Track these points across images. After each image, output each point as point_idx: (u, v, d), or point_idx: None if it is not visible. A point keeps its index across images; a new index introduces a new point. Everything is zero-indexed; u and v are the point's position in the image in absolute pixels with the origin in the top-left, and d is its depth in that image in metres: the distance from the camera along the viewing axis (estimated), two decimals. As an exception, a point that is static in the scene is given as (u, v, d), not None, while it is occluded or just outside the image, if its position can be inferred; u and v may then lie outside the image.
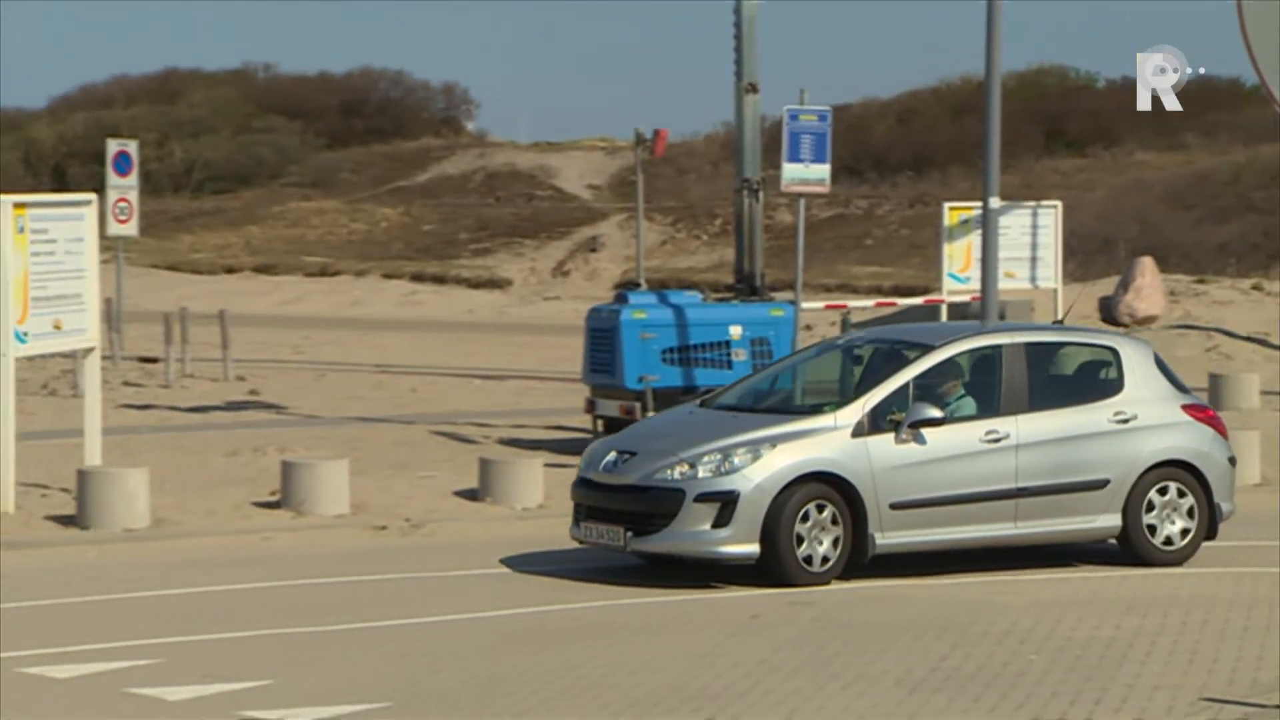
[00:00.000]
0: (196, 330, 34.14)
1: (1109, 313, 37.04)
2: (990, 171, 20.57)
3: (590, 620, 13.92)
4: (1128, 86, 60.04)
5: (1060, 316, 17.31)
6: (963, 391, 15.49)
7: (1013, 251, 29.42)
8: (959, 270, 31.30)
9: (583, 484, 15.38)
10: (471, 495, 19.17)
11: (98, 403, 19.29)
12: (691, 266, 52.14)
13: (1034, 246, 32.24)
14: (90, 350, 19.15)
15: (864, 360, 16.28)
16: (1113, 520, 15.61)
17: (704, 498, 14.52)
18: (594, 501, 15.16)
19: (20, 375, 18.99)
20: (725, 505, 14.50)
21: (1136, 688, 11.88)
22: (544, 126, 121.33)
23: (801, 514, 14.61)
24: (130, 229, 34.31)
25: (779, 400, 16.26)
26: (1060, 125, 57.24)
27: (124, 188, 33.92)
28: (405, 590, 15.24)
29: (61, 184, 63.47)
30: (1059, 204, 33.88)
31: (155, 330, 35.04)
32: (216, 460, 21.79)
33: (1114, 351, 16.18)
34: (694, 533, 14.57)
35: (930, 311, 35.47)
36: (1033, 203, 32.99)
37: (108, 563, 16.45)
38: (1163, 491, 15.67)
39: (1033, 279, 31.99)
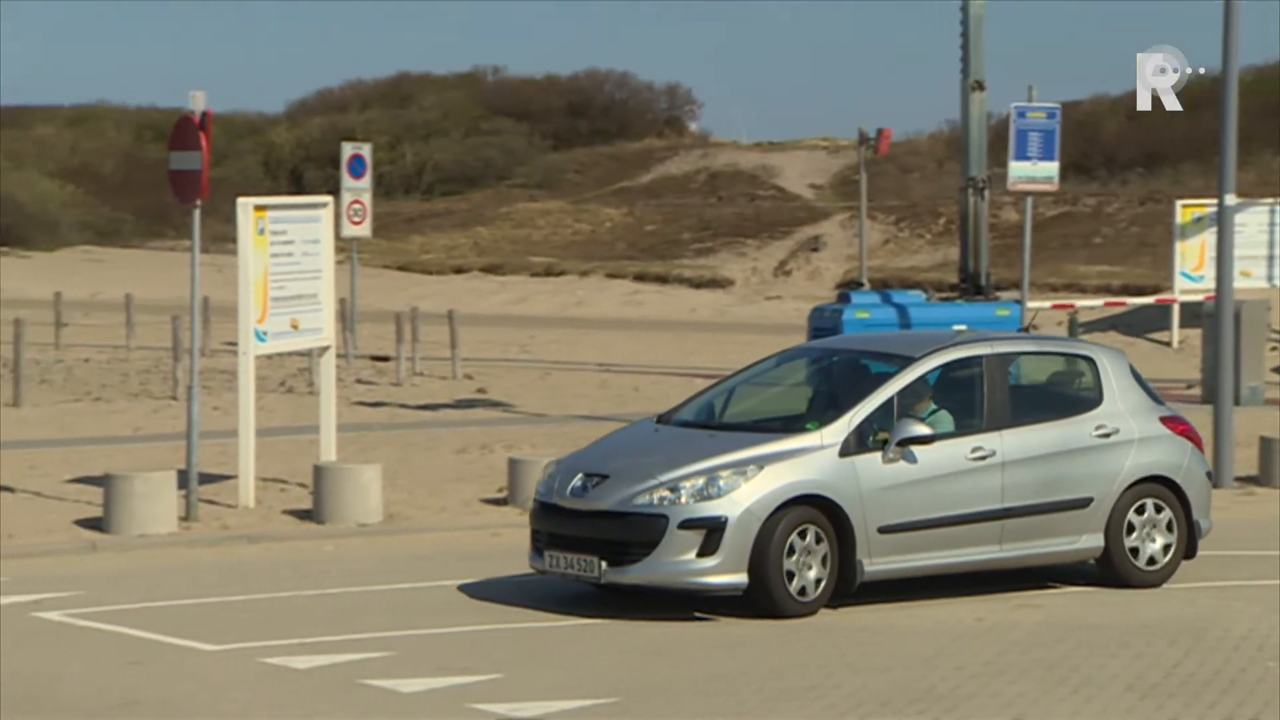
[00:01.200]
0: (426, 329, 34.64)
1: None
2: (1226, 168, 20.18)
3: (818, 621, 13.87)
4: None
5: (1026, 324, 16.29)
6: (934, 406, 14.41)
7: (1249, 250, 28.84)
8: (1192, 269, 30.81)
9: (546, 510, 14.05)
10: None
11: (333, 400, 19.66)
12: (914, 266, 51.70)
13: (1271, 244, 31.58)
14: (326, 349, 19.49)
15: (832, 373, 15.31)
16: (1095, 540, 14.69)
17: (689, 524, 13.38)
18: (561, 529, 13.83)
19: (259, 373, 19.36)
20: (712, 532, 13.36)
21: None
22: (766, 126, 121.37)
23: (790, 540, 13.53)
24: (363, 230, 34.88)
25: (750, 417, 15.04)
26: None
27: (358, 190, 34.50)
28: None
29: (298, 187, 64.69)
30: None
31: (387, 329, 35.61)
32: (446, 457, 22.09)
33: (1092, 362, 15.24)
34: (677, 562, 13.41)
35: (1162, 311, 34.99)
36: (1270, 200, 32.34)
37: (343, 556, 16.74)
38: (1141, 510, 14.79)
39: (1269, 278, 31.38)
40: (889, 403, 14.11)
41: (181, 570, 16.00)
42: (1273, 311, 30.87)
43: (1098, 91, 62.35)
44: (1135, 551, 14.76)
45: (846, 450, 13.79)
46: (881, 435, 13.92)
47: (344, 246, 30.62)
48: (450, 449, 22.65)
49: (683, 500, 13.44)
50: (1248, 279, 27.99)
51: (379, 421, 25.70)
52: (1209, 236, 25.49)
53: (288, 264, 18.46)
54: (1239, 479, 20.37)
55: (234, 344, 19.34)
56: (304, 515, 18.14)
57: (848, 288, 25.13)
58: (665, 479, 13.54)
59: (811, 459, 13.73)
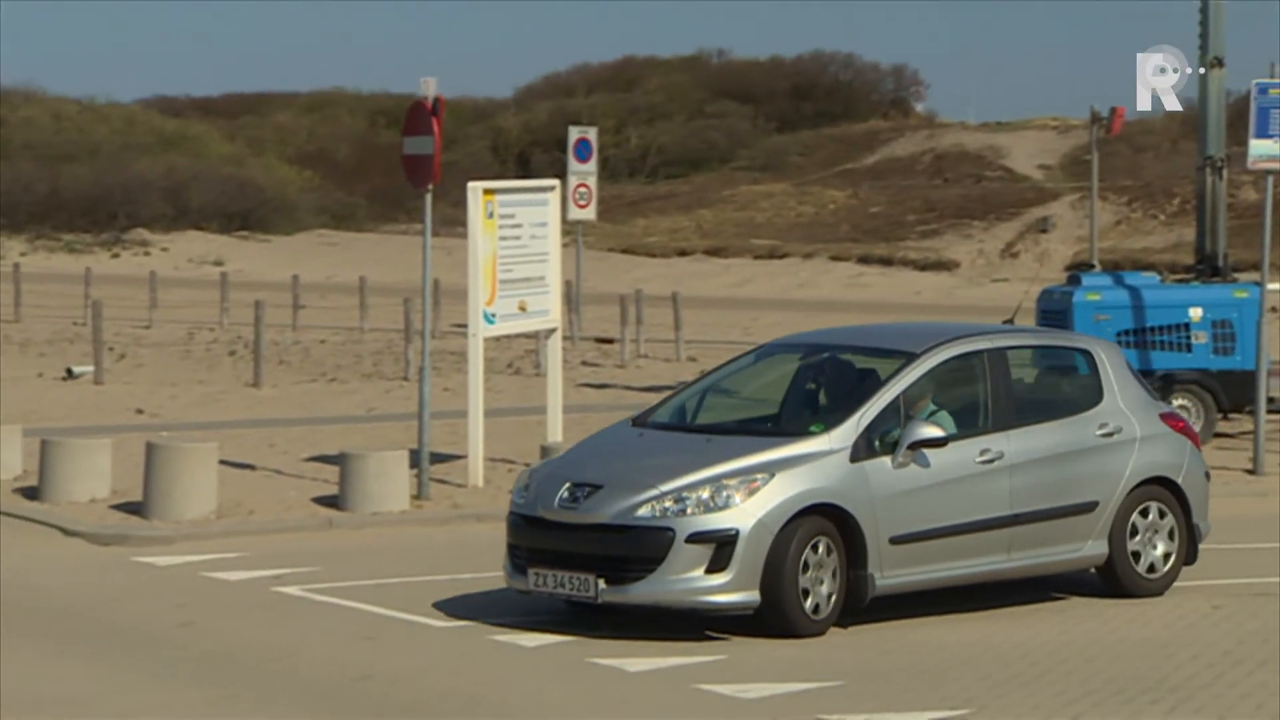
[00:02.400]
0: (650, 311, 34.77)
1: None
2: None
3: (1049, 605, 13.70)
4: None
5: (1010, 316, 15.12)
6: (933, 405, 13.31)
7: None
8: None
9: (529, 523, 12.79)
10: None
11: (559, 381, 19.78)
12: (1147, 247, 50.90)
13: None
14: (552, 331, 19.61)
15: (824, 370, 13.96)
16: (1100, 547, 13.63)
17: (697, 538, 12.21)
18: (548, 544, 12.60)
19: (487, 355, 19.54)
20: (722, 546, 12.21)
21: None
22: (994, 106, 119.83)
23: (805, 555, 12.44)
24: (589, 213, 35.08)
25: (743, 419, 13.99)
26: None
27: (583, 173, 34.69)
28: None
29: (525, 171, 65.27)
30: None
31: (611, 312, 35.80)
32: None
33: (1090, 355, 14.16)
34: (684, 579, 12.24)
35: None
36: None
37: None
38: (1145, 513, 13.78)
39: None
40: (895, 403, 13.01)
41: (413, 547, 16.22)
42: None
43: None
44: (1137, 557, 13.75)
45: (857, 454, 12.71)
46: (890, 438, 12.83)
47: (569, 229, 30.76)
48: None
49: (689, 511, 12.30)
50: None
51: (604, 403, 25.81)
52: None
53: (516, 247, 18.59)
54: None
55: (463, 326, 19.55)
56: (532, 495, 18.25)
57: (1078, 269, 24.75)
58: (668, 488, 12.40)
59: (822, 465, 12.60)
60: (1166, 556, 13.86)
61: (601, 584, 12.30)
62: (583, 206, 34.29)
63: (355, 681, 11.56)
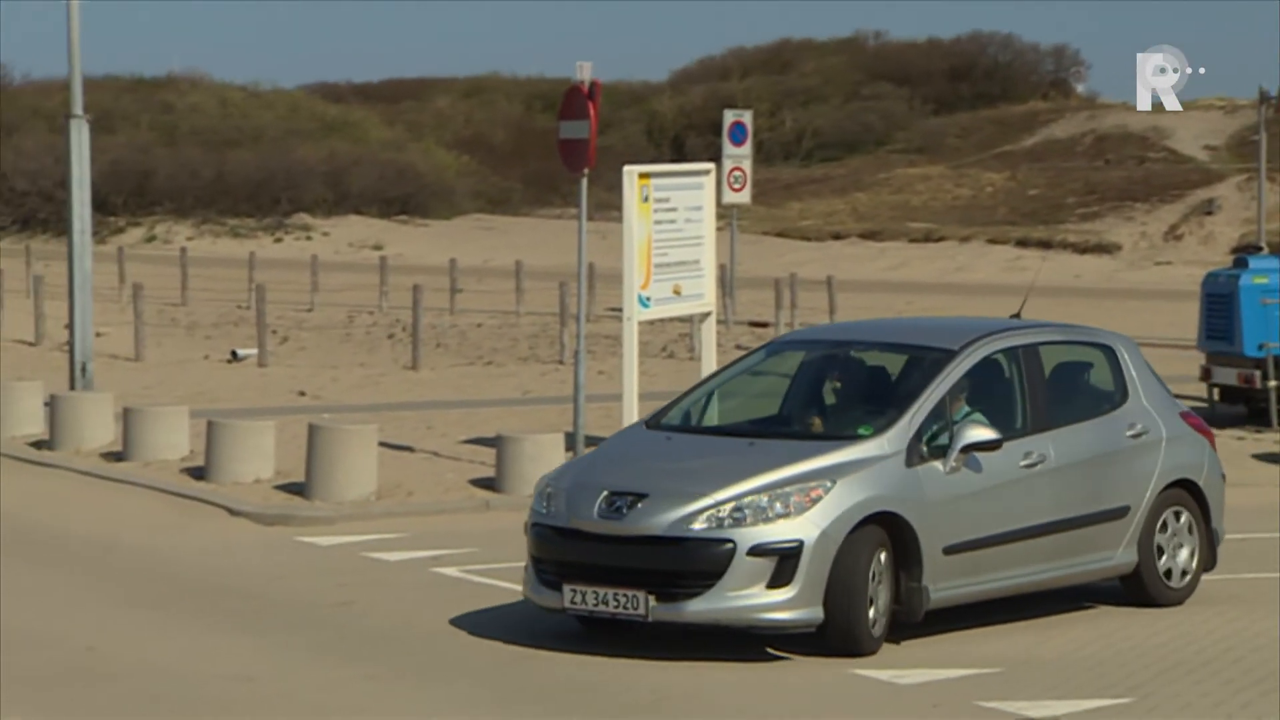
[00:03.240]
0: (804, 295, 34.74)
1: None
2: None
3: (1215, 593, 13.52)
4: None
5: (1017, 310, 14.01)
6: (967, 407, 12.46)
7: None
8: None
9: (562, 535, 11.76)
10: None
11: (713, 365, 19.64)
12: (1317, 229, 49.98)
13: None
14: (707, 315, 19.60)
15: (851, 367, 13.10)
16: (1130, 555, 12.90)
17: (760, 550, 11.23)
18: (589, 558, 11.58)
19: (641, 338, 19.61)
20: (785, 559, 11.25)
21: None
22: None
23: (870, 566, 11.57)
24: (743, 197, 35.05)
25: (781, 421, 12.82)
26: None
27: (738, 157, 34.67)
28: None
29: (680, 154, 65.36)
30: None
31: (765, 295, 35.79)
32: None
33: (1112, 352, 13.43)
34: (744, 595, 11.25)
35: None
36: None
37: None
38: (1170, 518, 13.13)
39: None
40: (941, 403, 12.16)
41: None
42: None
43: None
44: (1162, 564, 13.08)
45: (911, 459, 11.83)
46: (938, 441, 11.98)
47: (724, 213, 30.79)
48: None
49: (749, 522, 11.31)
50: None
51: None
52: None
53: (670, 231, 18.61)
54: None
55: (618, 310, 19.60)
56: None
57: (1244, 252, 24.36)
58: (723, 497, 11.40)
59: (880, 470, 11.69)
60: (1189, 563, 13.21)
61: (652, 601, 11.30)
62: (737, 190, 34.27)
63: (514, 662, 11.66)
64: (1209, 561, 13.37)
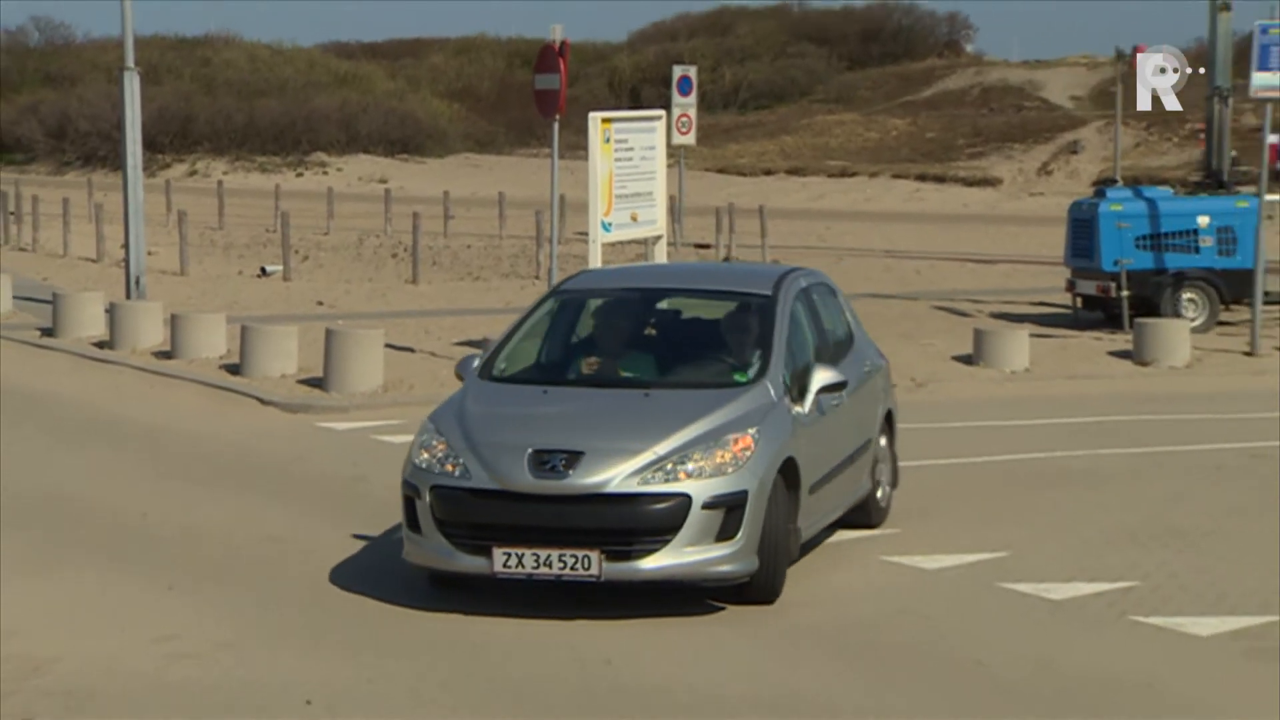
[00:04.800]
0: (740, 222, 34.64)
1: None
2: None
3: (1071, 469, 13.63)
4: None
5: (727, 254, 12.40)
6: None
7: None
8: None
9: (489, 496, 9.30)
10: (967, 360, 18.96)
11: (665, 279, 19.72)
12: (1162, 165, 50.06)
13: None
14: (659, 238, 19.57)
15: (659, 315, 10.87)
16: (869, 482, 11.34)
17: (712, 503, 9.18)
18: (527, 520, 9.19)
19: (605, 257, 19.55)
20: (731, 510, 9.22)
21: None
22: (1032, 46, 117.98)
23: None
24: (689, 139, 34.87)
25: (645, 368, 10.36)
26: None
27: (685, 105, 34.46)
28: (906, 437, 15.17)
29: (636, 103, 64.93)
30: None
31: (708, 222, 35.73)
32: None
33: (837, 293, 11.79)
34: (698, 549, 9.18)
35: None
36: None
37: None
38: (881, 443, 11.65)
39: None
40: (788, 346, 10.31)
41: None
42: None
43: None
44: (877, 487, 11.51)
45: (790, 403, 9.97)
46: (794, 384, 10.09)
47: (673, 153, 30.63)
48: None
49: (701, 475, 9.23)
50: None
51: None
52: None
53: (628, 167, 18.55)
54: None
55: (584, 233, 19.55)
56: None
57: (1103, 185, 24.38)
58: (664, 451, 9.26)
59: (779, 416, 9.77)
60: (888, 483, 11.70)
61: (603, 561, 9.09)
62: (684, 134, 34.08)
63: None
64: (896, 481, 11.82)
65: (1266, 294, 20.34)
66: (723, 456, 9.34)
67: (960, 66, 72.45)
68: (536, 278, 28.25)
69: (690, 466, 9.28)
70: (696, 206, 39.98)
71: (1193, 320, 20.86)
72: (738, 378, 10.08)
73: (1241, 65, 20.39)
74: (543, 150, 60.63)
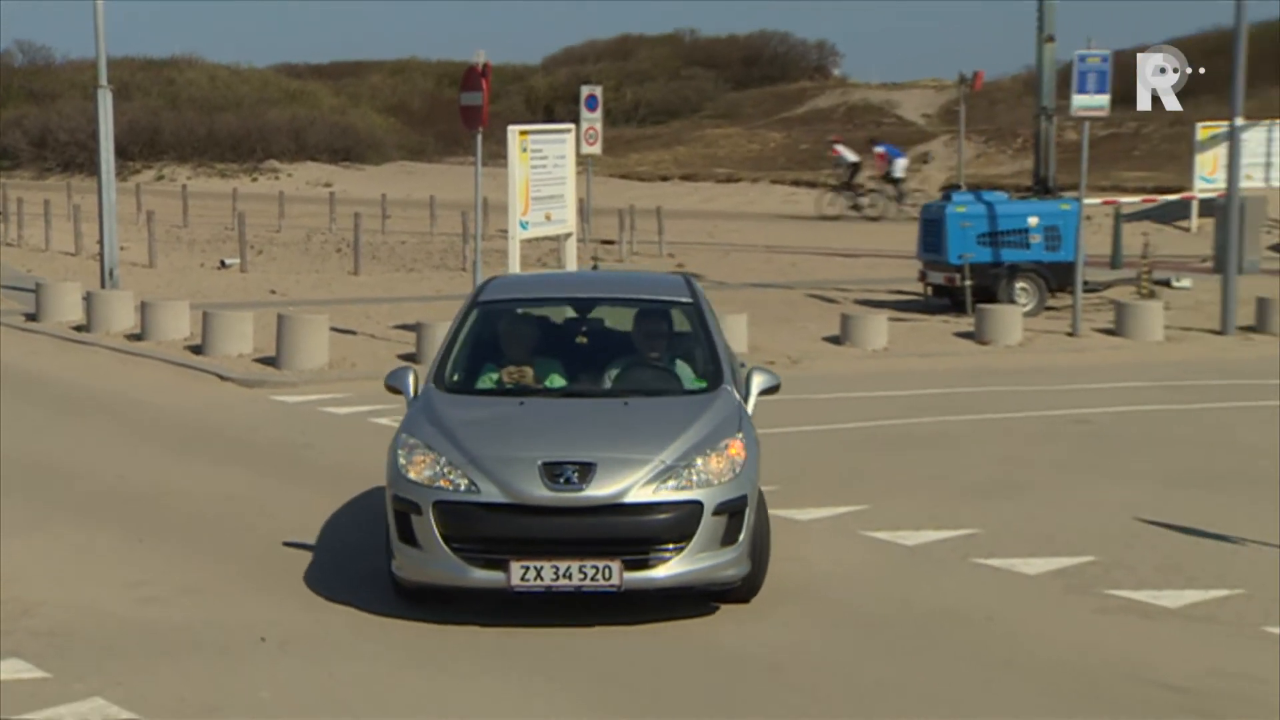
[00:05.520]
0: (639, 221, 34.60)
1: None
2: (1236, 98, 19.52)
3: (923, 433, 13.77)
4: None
5: (594, 263, 11.31)
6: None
7: (1250, 159, 27.93)
8: (1208, 174, 29.88)
9: (503, 511, 8.01)
10: (835, 340, 19.10)
11: (574, 270, 19.71)
12: (998, 173, 50.53)
13: (1268, 155, 30.66)
14: (569, 235, 19.57)
15: (588, 324, 9.68)
16: None
17: (721, 509, 8.16)
18: (546, 532, 7.98)
19: (522, 252, 19.50)
20: (734, 516, 8.23)
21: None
22: (889, 71, 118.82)
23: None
24: (596, 149, 34.64)
25: (605, 377, 9.14)
26: (1290, 64, 53.66)
27: (592, 120, 34.25)
28: (783, 407, 15.22)
29: (550, 118, 64.51)
30: (1289, 122, 31.98)
31: (612, 221, 35.68)
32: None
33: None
34: (708, 555, 8.14)
35: (1184, 205, 33.95)
36: (1268, 121, 31.27)
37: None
38: None
39: (1266, 180, 30.48)
40: (725, 350, 9.37)
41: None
42: (1268, 204, 29.89)
43: (1140, 41, 60.47)
44: None
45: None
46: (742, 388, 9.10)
47: (582, 161, 30.53)
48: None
49: (711, 483, 8.17)
50: (1250, 181, 27.11)
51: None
52: (1221, 150, 24.68)
53: (543, 173, 18.51)
54: (1240, 328, 19.81)
55: (505, 231, 19.50)
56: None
57: (949, 190, 24.65)
58: (671, 459, 8.15)
59: (747, 420, 8.73)
60: None
61: (623, 571, 7.98)
62: (591, 144, 33.90)
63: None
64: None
65: (1086, 283, 20.69)
66: (720, 462, 8.23)
67: (828, 88, 72.75)
68: (463, 269, 28.09)
69: (698, 474, 8.15)
70: (602, 208, 39.90)
71: (1025, 306, 21.11)
72: (698, 384, 9.03)
73: (1064, 89, 20.67)
74: (468, 159, 60.17)
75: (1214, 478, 11.69)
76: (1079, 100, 19.66)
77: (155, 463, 12.40)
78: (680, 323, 9.51)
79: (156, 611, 8.50)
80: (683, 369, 9.21)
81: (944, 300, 22.25)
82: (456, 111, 18.98)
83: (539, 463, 8.06)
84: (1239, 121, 19.87)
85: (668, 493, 8.07)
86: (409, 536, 8.21)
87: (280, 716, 7.03)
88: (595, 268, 9.16)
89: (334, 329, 18.29)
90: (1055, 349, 18.85)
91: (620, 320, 9.64)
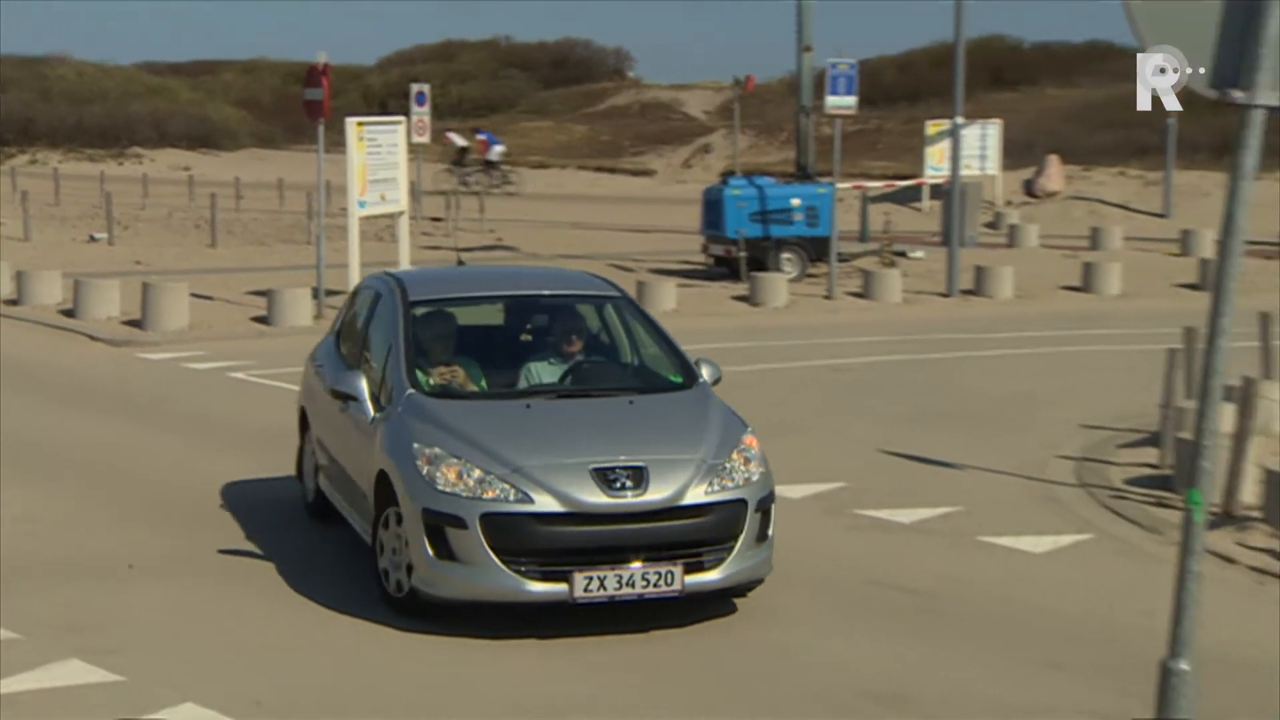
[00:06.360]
0: (465, 202, 34.20)
1: (1029, 190, 36.18)
2: (957, 101, 20.08)
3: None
4: (1043, 47, 58.38)
5: (459, 259, 10.36)
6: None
7: (970, 151, 28.86)
8: (935, 163, 30.77)
9: (571, 520, 6.56)
10: (632, 302, 19.14)
11: (407, 245, 19.51)
12: (768, 162, 51.20)
13: (983, 148, 31.68)
14: (401, 213, 19.28)
15: (534, 320, 8.04)
16: None
17: (759, 506, 6.94)
18: (608, 540, 6.60)
19: (361, 228, 19.15)
20: (765, 514, 6.99)
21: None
22: (678, 72, 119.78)
23: None
24: (425, 139, 34.19)
25: (584, 376, 7.61)
26: (1001, 73, 55.39)
27: (421, 113, 33.72)
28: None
29: (384, 111, 63.30)
30: (999, 121, 33.10)
31: (439, 201, 35.22)
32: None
33: None
34: (751, 554, 6.91)
35: (917, 189, 34.91)
36: (982, 120, 32.32)
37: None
38: None
39: (982, 168, 31.53)
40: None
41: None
42: (983, 189, 30.90)
43: (882, 53, 61.86)
44: None
45: None
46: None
47: (413, 149, 30.03)
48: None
49: (752, 481, 6.92)
50: (969, 169, 27.97)
51: (435, 258, 25.47)
52: (946, 143, 25.38)
53: (377, 159, 18.23)
54: (962, 291, 20.40)
55: (345, 209, 19.12)
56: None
57: (727, 175, 24.90)
58: (713, 459, 6.85)
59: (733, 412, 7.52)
60: None
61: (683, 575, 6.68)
62: (421, 135, 33.36)
63: (285, 432, 11.38)
64: None
65: (840, 255, 21.11)
66: (747, 459, 6.95)
67: (625, 88, 72.83)
68: (309, 243, 27.44)
69: (736, 472, 6.86)
70: (431, 190, 39.38)
71: (790, 274, 21.43)
72: (675, 378, 7.61)
73: (820, 91, 21.02)
74: (313, 146, 58.81)
75: (941, 415, 12.09)
76: (832, 100, 20.04)
77: (35, 412, 11.90)
78: (623, 317, 8.05)
79: (35, 544, 8.17)
80: (657, 364, 7.76)
81: (723, 269, 22.44)
82: (301, 105, 18.50)
83: (589, 468, 6.62)
84: (959, 120, 20.46)
85: (717, 493, 6.75)
86: (446, 552, 6.58)
87: (136, 628, 6.83)
88: (460, 263, 7.61)
89: (193, 295, 17.73)
90: (815, 310, 19.21)
91: (567, 315, 7.96)
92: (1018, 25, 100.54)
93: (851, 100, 20.20)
